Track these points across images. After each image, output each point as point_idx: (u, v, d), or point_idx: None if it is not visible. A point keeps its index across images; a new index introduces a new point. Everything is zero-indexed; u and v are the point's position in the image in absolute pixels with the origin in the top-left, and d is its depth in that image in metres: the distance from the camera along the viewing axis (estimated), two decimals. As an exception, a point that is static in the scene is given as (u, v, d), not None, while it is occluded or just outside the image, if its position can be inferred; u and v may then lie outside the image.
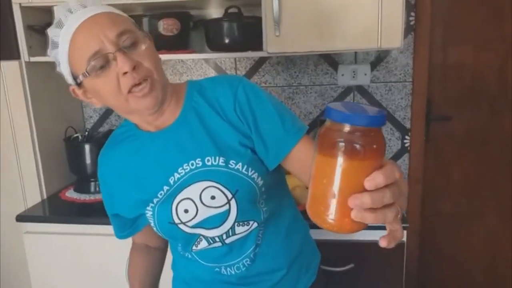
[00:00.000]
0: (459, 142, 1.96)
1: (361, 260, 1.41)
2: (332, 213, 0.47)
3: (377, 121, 0.45)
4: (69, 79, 0.80)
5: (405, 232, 1.38)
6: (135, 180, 0.88)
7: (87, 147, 1.67)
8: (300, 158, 0.82)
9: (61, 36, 0.76)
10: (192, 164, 0.84)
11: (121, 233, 0.99)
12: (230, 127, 0.84)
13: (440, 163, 1.99)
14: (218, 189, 0.82)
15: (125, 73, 0.74)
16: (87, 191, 1.71)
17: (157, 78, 0.78)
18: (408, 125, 1.86)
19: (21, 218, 1.55)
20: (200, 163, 0.83)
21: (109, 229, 1.44)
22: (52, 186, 1.75)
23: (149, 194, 0.87)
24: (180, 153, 0.85)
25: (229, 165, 0.83)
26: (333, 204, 0.47)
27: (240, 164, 0.83)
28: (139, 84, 0.76)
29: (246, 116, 0.83)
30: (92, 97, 0.82)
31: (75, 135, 1.74)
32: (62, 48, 0.77)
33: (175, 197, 0.84)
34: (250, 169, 0.84)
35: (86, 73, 0.75)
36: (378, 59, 1.80)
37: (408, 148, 1.89)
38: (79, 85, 0.80)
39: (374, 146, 0.46)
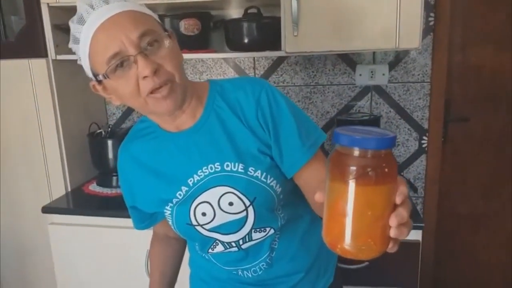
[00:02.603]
0: (477, 143, 1.94)
1: (376, 258, 1.42)
2: (348, 239, 0.48)
3: (386, 143, 0.45)
4: (89, 74, 0.80)
5: (420, 232, 1.39)
6: (154, 178, 0.88)
7: (109, 142, 1.73)
8: (306, 175, 0.83)
9: (82, 33, 0.75)
10: (211, 168, 0.83)
11: (140, 224, 1.00)
12: (250, 134, 0.83)
13: (457, 164, 1.98)
14: (236, 195, 0.82)
15: (145, 77, 0.72)
16: (109, 185, 1.76)
17: (178, 81, 0.77)
18: (426, 126, 1.86)
19: (46, 209, 1.61)
20: (219, 168, 0.83)
21: (129, 222, 1.49)
22: (76, 180, 1.81)
23: (168, 194, 0.87)
24: (199, 156, 0.84)
25: (248, 172, 0.82)
26: (349, 230, 0.47)
27: (259, 171, 0.83)
28: (159, 87, 0.74)
29: (268, 123, 0.82)
30: (111, 94, 0.81)
31: (98, 131, 1.80)
32: (83, 45, 0.76)
33: (194, 200, 0.84)
34: (269, 176, 0.83)
35: (105, 75, 0.75)
36: (397, 59, 1.81)
37: (426, 148, 1.88)
38: (99, 82, 0.79)
39: (386, 168, 0.46)
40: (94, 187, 1.77)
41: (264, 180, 0.83)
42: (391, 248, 0.50)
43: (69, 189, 1.77)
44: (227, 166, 0.83)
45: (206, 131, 0.85)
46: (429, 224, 1.95)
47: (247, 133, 0.83)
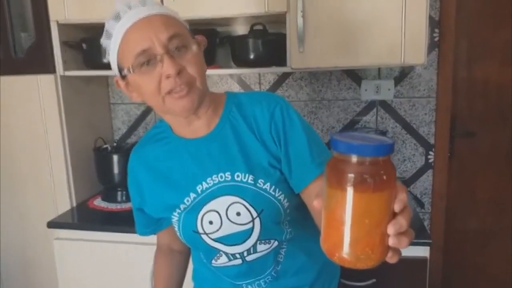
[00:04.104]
0: (484, 158, 1.93)
1: (383, 276, 1.41)
2: (346, 247, 0.47)
3: (384, 149, 0.45)
4: (115, 69, 0.84)
5: (428, 248, 1.37)
6: (163, 183, 0.90)
7: (115, 157, 1.73)
8: (313, 192, 0.82)
9: (116, 29, 0.79)
10: (221, 177, 0.85)
11: (144, 230, 1.01)
12: (262, 147, 0.85)
13: (464, 179, 1.96)
14: (244, 206, 0.84)
15: (168, 76, 0.76)
16: (114, 200, 1.76)
17: (198, 86, 0.80)
18: (432, 141, 1.85)
19: (51, 224, 1.61)
20: (229, 177, 0.84)
21: (135, 237, 1.49)
22: (81, 195, 1.81)
23: (175, 199, 0.88)
24: (211, 164, 0.86)
25: (258, 184, 0.84)
26: (346, 238, 0.46)
27: (268, 184, 0.84)
28: (179, 89, 0.78)
29: (280, 137, 0.84)
30: (133, 91, 0.84)
31: (104, 146, 1.81)
32: (115, 40, 0.80)
33: (202, 207, 0.86)
34: (277, 190, 0.85)
35: (131, 69, 0.78)
36: (402, 74, 1.81)
37: (432, 164, 1.87)
38: (123, 78, 0.82)
39: (384, 175, 0.45)
40: (99, 202, 1.77)
41: (273, 193, 0.84)
42: (391, 257, 0.49)
43: (75, 204, 1.77)
44: (238, 176, 0.84)
45: (219, 140, 0.87)
46: (437, 240, 1.92)
47: (259, 146, 0.85)
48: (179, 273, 1.10)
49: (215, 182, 0.85)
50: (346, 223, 0.46)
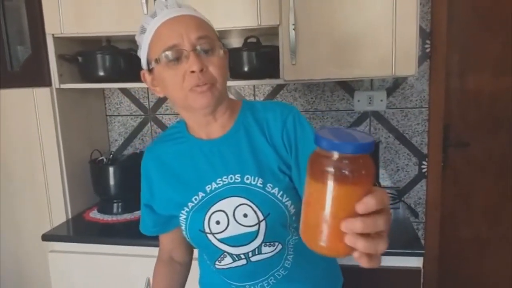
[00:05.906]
0: (478, 167, 1.94)
1: (377, 287, 1.41)
2: (324, 238, 0.49)
3: (364, 148, 0.46)
4: (143, 63, 0.88)
5: (421, 259, 1.37)
6: (174, 180, 0.93)
7: (111, 169, 1.74)
8: None
9: (150, 24, 0.85)
10: (231, 178, 0.88)
11: (151, 229, 1.02)
12: (273, 152, 0.88)
13: (458, 189, 1.97)
14: (252, 208, 0.86)
15: (192, 72, 0.80)
16: (110, 212, 1.76)
17: (218, 88, 0.84)
18: (425, 151, 1.87)
19: (46, 237, 1.60)
20: (239, 179, 0.87)
21: (130, 249, 1.50)
22: (77, 207, 1.82)
23: (184, 197, 0.91)
24: (222, 165, 0.89)
25: (266, 188, 0.87)
26: (325, 228, 0.48)
27: (277, 189, 0.87)
28: (201, 85, 0.82)
29: (291, 144, 0.87)
30: (157, 86, 0.88)
31: (100, 157, 1.81)
32: (148, 34, 0.85)
33: (210, 207, 0.88)
34: (285, 195, 0.87)
35: (157, 60, 0.82)
36: (395, 85, 1.83)
37: (426, 173, 1.89)
38: (150, 71, 0.87)
39: (363, 172, 0.47)
40: (95, 214, 1.77)
41: (280, 198, 0.87)
42: (358, 258, 0.49)
43: (70, 216, 1.77)
44: (247, 179, 0.87)
45: (233, 143, 0.90)
46: (432, 250, 1.93)
47: (270, 150, 0.88)
48: (178, 285, 1.10)
49: (224, 183, 0.88)
50: (323, 214, 0.48)
